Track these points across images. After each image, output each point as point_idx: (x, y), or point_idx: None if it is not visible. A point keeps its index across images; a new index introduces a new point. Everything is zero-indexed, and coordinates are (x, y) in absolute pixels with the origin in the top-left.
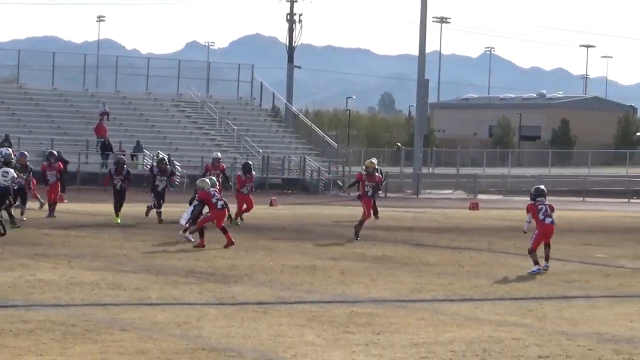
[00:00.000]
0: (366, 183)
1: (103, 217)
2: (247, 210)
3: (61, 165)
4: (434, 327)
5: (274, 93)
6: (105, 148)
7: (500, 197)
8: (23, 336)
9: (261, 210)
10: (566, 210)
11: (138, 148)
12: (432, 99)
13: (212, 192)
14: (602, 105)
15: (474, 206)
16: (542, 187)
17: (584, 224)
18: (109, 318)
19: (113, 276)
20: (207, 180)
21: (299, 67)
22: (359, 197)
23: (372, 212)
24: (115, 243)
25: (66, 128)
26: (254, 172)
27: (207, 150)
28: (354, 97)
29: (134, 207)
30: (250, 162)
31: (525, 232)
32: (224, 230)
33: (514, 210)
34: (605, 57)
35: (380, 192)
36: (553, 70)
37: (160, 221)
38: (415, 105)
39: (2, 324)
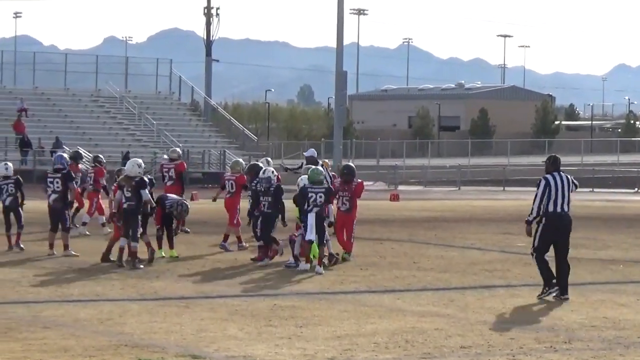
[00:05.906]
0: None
1: (26, 213)
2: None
3: None
4: (356, 319)
5: (192, 87)
6: (24, 145)
7: (420, 187)
8: None
9: None
10: (486, 200)
11: (57, 144)
12: (350, 90)
13: None
14: (520, 95)
15: (395, 197)
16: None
17: (504, 213)
18: (31, 316)
19: (35, 273)
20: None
21: (217, 61)
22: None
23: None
24: (38, 241)
25: None
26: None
27: (127, 145)
28: (273, 90)
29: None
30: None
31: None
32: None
33: (434, 201)
34: (522, 46)
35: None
36: (471, 60)
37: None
38: (334, 97)
39: None
